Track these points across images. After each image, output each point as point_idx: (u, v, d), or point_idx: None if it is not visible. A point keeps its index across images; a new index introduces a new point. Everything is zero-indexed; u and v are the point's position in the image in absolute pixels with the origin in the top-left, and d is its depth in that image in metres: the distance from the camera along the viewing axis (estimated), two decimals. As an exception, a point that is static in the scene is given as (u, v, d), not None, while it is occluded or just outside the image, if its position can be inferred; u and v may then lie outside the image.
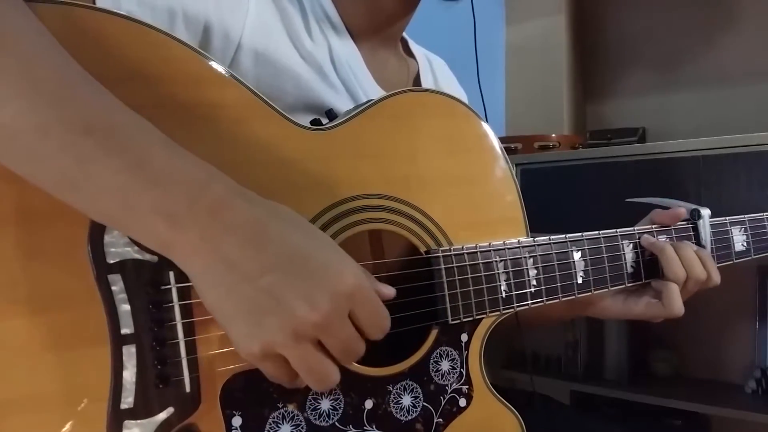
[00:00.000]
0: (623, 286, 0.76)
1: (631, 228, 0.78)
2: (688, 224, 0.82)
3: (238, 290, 0.44)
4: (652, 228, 0.79)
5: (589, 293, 0.73)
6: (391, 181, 0.63)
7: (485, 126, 0.71)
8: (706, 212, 0.82)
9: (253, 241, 0.45)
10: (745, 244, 0.87)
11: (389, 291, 0.53)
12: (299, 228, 0.48)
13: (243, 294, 0.44)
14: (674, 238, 0.80)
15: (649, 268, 0.78)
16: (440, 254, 0.64)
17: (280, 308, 0.45)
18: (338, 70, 0.74)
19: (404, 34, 0.90)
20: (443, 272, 0.63)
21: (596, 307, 0.81)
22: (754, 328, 1.53)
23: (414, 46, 0.92)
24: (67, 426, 0.47)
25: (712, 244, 0.82)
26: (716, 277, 0.78)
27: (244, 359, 0.47)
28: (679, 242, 0.77)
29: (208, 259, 0.44)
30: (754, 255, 0.88)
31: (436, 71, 0.93)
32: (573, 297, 0.72)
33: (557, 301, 0.70)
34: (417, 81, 0.89)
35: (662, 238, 0.79)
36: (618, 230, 0.76)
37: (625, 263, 0.76)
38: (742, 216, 0.87)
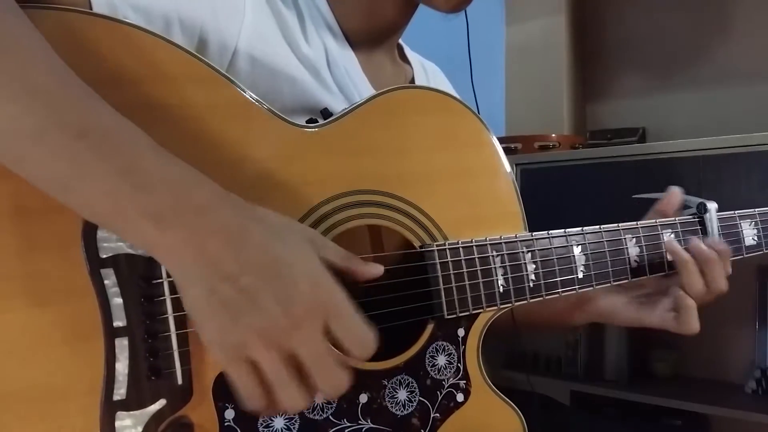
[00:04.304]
0: (627, 280, 0.75)
1: (634, 222, 0.77)
2: (694, 218, 0.81)
3: (218, 289, 0.45)
4: (656, 222, 0.78)
5: (591, 288, 0.73)
6: (384, 177, 0.63)
7: (480, 121, 0.70)
8: (712, 205, 0.80)
9: (236, 243, 0.46)
10: (756, 238, 0.85)
11: (376, 270, 0.54)
12: (282, 235, 0.49)
13: (222, 292, 0.45)
14: (680, 233, 0.79)
15: (653, 264, 0.77)
16: (434, 248, 0.63)
17: (254, 308, 0.45)
18: (334, 73, 0.74)
19: (400, 41, 0.90)
20: (438, 266, 0.63)
21: (605, 313, 0.80)
22: (754, 328, 1.52)
23: (409, 53, 0.93)
24: (61, 418, 0.47)
25: (720, 238, 0.80)
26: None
27: (218, 361, 0.47)
28: (706, 256, 0.75)
29: (191, 257, 0.45)
30: (767, 249, 0.86)
31: (430, 77, 0.94)
32: (574, 292, 0.71)
33: (557, 296, 0.69)
34: None
35: (667, 232, 0.78)
36: (620, 224, 0.76)
37: (629, 258, 0.75)
38: (752, 210, 0.85)
